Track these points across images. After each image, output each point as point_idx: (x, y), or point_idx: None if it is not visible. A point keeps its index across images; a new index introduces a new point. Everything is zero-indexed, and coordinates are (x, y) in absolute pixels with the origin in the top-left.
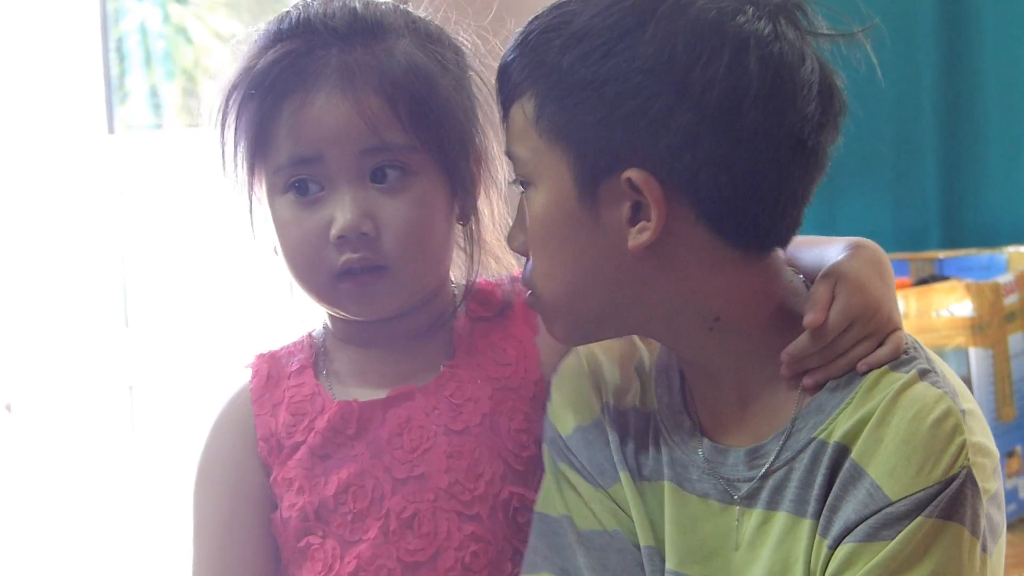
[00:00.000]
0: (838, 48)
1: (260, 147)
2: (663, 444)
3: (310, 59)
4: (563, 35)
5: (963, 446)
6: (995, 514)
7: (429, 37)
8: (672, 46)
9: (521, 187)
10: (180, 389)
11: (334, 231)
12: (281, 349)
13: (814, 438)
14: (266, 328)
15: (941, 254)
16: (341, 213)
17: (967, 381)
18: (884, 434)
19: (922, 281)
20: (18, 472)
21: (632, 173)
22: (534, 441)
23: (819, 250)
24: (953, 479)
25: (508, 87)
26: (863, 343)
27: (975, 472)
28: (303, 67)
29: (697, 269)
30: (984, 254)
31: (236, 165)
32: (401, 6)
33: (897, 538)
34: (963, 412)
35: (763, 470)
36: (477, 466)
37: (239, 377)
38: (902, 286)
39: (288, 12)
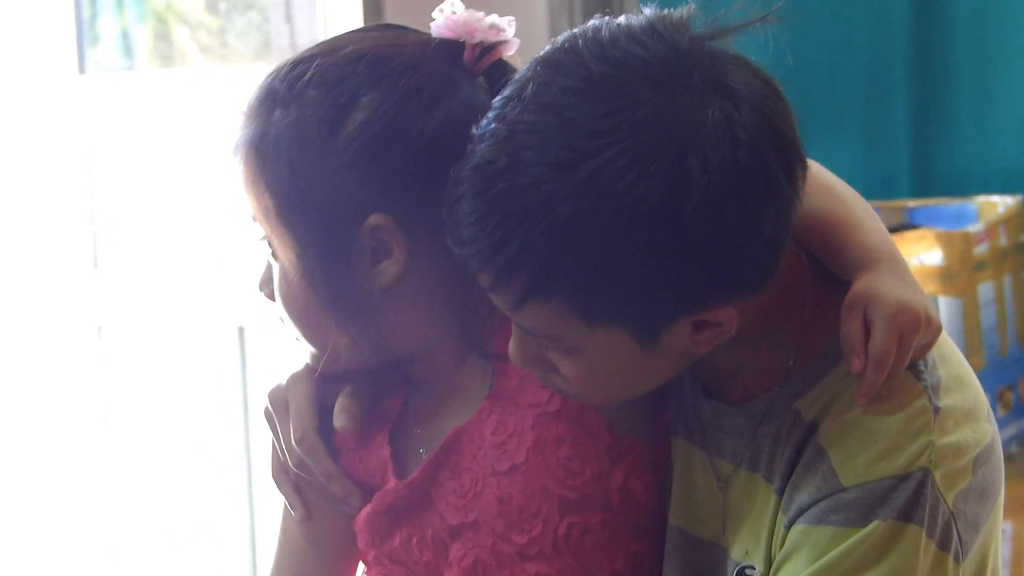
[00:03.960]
0: None
1: None
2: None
3: None
4: (589, 224)
5: (926, 447)
6: (973, 506)
7: (311, 104)
8: (721, 204)
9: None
10: (149, 330)
11: None
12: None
13: (792, 407)
14: (235, 270)
15: (911, 203)
16: None
17: None
18: (851, 420)
19: (892, 230)
20: None
21: (706, 315)
22: (587, 463)
23: (839, 244)
24: (909, 477)
25: (518, 291)
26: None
27: (938, 475)
28: None
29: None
30: (954, 203)
31: None
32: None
33: (853, 536)
34: (937, 410)
35: (751, 430)
36: (530, 505)
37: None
38: None
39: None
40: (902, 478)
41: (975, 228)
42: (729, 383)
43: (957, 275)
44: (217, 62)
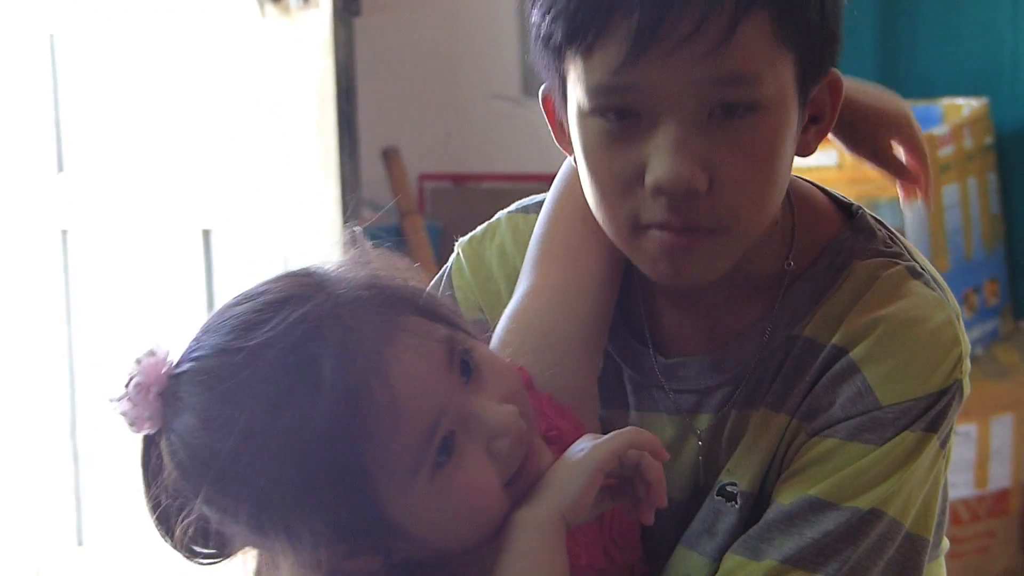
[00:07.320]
0: None
1: None
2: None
3: None
4: None
5: (959, 359)
6: None
7: None
8: None
9: (730, 114)
10: (114, 234)
11: None
12: None
13: (796, 335)
14: (201, 173)
15: None
16: None
17: (900, 233)
18: (882, 337)
19: None
20: None
21: (832, 75)
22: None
23: None
24: (946, 391)
25: (730, 9)
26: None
27: (964, 381)
28: None
29: None
30: (919, 106)
31: None
32: None
33: (881, 448)
34: (957, 316)
35: (732, 374)
36: None
37: None
38: None
39: None
40: (941, 394)
41: (940, 130)
42: (692, 332)
43: None
44: None
